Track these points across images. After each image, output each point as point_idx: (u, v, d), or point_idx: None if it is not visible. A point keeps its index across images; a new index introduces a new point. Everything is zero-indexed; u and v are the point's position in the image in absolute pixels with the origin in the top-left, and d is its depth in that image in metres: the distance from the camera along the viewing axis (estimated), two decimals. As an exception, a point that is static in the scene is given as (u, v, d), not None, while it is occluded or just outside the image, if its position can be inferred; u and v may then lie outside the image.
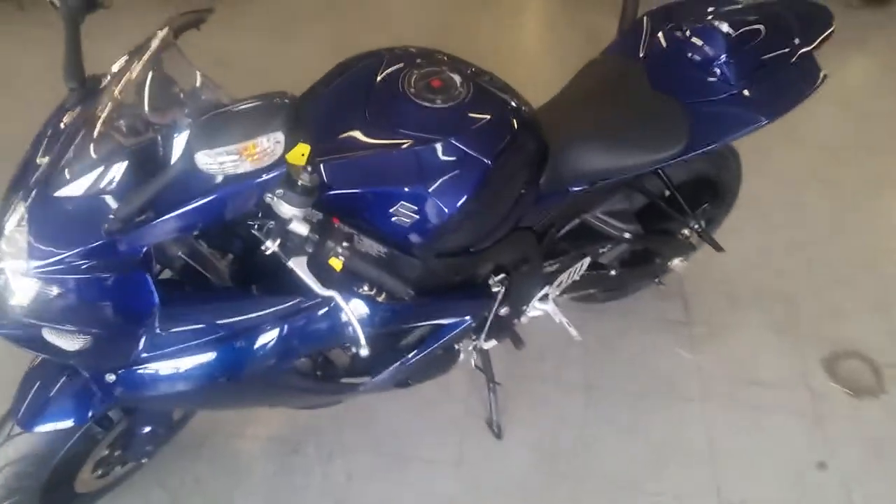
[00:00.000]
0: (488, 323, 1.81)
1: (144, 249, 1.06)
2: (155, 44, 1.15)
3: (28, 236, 1.06)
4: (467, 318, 1.57)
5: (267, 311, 1.25)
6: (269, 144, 0.96)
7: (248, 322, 1.24)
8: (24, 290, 1.07)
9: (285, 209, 1.14)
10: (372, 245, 1.30)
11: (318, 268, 1.19)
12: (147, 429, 1.46)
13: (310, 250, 1.17)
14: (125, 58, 1.19)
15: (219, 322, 1.22)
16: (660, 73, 1.75)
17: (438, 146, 1.30)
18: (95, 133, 1.08)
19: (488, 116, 1.37)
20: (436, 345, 1.57)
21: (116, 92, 1.12)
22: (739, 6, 1.83)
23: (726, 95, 1.70)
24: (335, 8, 4.18)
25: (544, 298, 1.95)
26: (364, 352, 1.28)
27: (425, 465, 1.95)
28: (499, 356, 2.04)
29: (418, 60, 1.43)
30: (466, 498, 1.89)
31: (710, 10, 1.80)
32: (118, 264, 1.06)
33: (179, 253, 1.23)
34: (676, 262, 2.21)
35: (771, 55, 1.70)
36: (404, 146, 1.29)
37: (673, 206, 1.90)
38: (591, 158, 1.62)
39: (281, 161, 1.04)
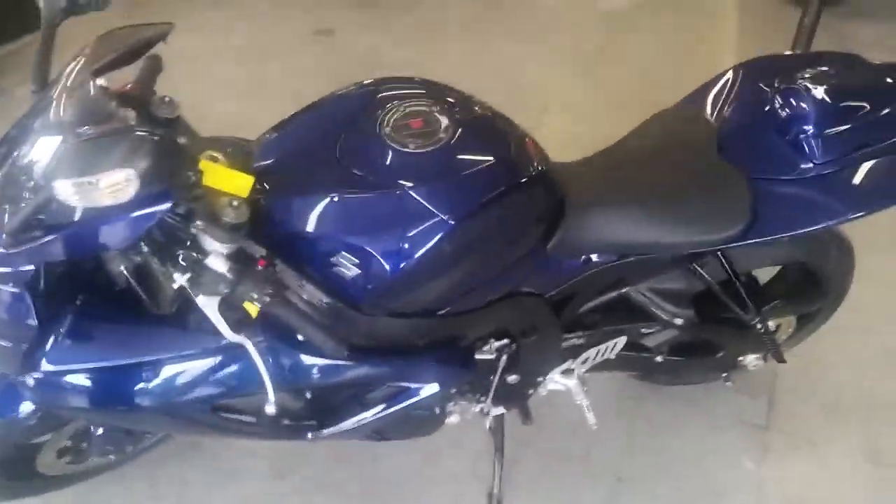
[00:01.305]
0: (492, 389, 1.63)
1: (31, 268, 1.02)
2: (70, 70, 1.09)
3: None
4: (435, 384, 1.40)
5: (176, 348, 1.17)
6: (120, 181, 0.87)
7: (155, 356, 1.17)
8: None
9: (206, 243, 1.05)
10: (314, 293, 1.18)
11: (233, 310, 1.10)
12: (99, 430, 1.46)
13: (225, 290, 1.07)
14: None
15: (123, 350, 1.16)
16: (732, 137, 1.45)
17: (392, 196, 1.14)
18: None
19: (466, 169, 1.19)
20: (397, 407, 1.40)
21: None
22: (861, 71, 1.47)
23: (807, 177, 1.37)
24: (484, 20, 4.10)
25: (568, 373, 1.72)
26: (270, 409, 1.16)
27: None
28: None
29: (413, 95, 1.27)
30: None
31: (819, 70, 1.46)
32: (10, 276, 1.03)
33: (122, 269, 1.18)
34: (750, 359, 1.86)
35: (874, 139, 1.34)
36: (356, 191, 1.15)
37: (733, 295, 1.57)
38: (618, 227, 1.37)
39: (158, 197, 0.96)
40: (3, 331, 1.09)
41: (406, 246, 1.14)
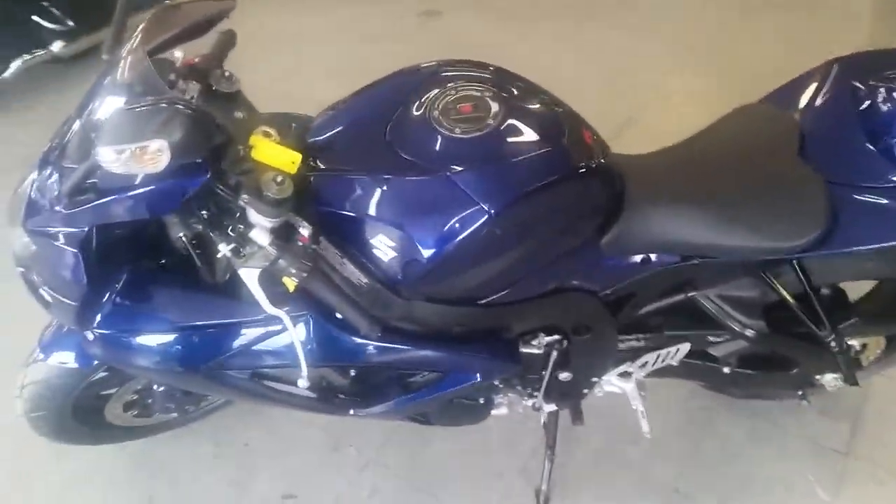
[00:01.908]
0: (544, 385, 1.59)
1: (86, 229, 1.09)
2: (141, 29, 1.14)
3: (28, 197, 1.16)
4: (475, 375, 1.38)
5: (221, 316, 1.22)
6: (153, 151, 0.91)
7: (203, 321, 1.22)
8: (18, 239, 1.19)
9: (252, 216, 1.09)
10: (354, 273, 1.19)
11: (273, 284, 1.13)
12: (160, 388, 1.54)
13: (265, 263, 1.10)
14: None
15: (172, 315, 1.22)
16: (816, 138, 1.34)
17: (433, 181, 1.13)
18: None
19: (511, 158, 1.16)
20: (436, 395, 1.40)
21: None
22: None
23: (878, 189, 1.24)
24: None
25: (626, 376, 1.66)
26: (302, 383, 1.19)
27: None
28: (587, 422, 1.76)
29: (470, 79, 1.25)
30: None
31: None
32: (65, 236, 1.10)
33: (182, 236, 1.24)
34: (829, 379, 1.72)
35: None
36: (399, 174, 1.15)
37: (807, 308, 1.45)
38: (679, 227, 1.29)
39: (195, 169, 1.00)
40: (61, 287, 1.17)
41: (443, 232, 1.13)
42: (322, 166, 1.20)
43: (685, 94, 3.37)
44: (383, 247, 1.16)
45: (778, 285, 1.43)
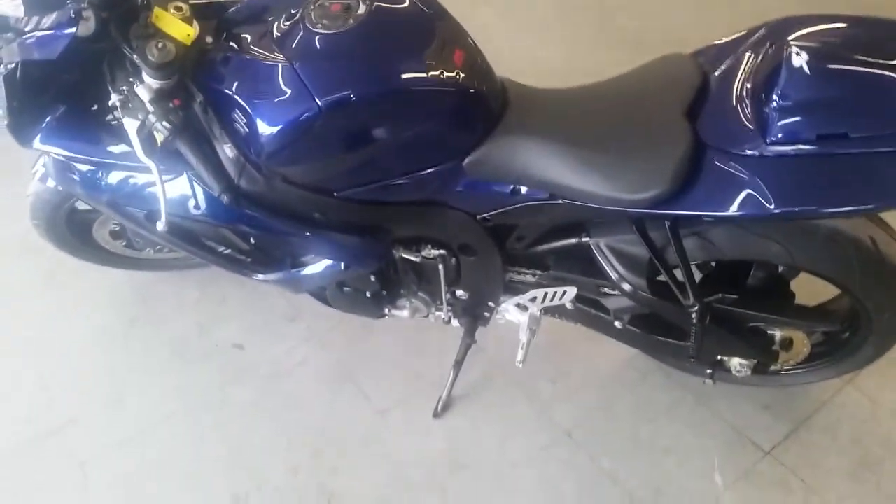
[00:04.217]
0: (444, 299, 1.69)
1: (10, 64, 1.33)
2: None
3: None
4: (339, 263, 1.51)
5: (120, 158, 1.43)
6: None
7: (110, 160, 1.47)
8: None
9: (144, 75, 1.28)
10: (226, 142, 1.36)
11: (148, 136, 1.33)
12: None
13: (140, 117, 1.30)
14: None
15: (91, 148, 1.46)
16: (715, 97, 1.26)
17: (280, 67, 1.23)
18: None
19: (356, 59, 1.23)
20: (310, 274, 1.56)
21: None
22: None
23: (755, 155, 1.15)
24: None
25: (523, 308, 1.69)
26: (160, 226, 1.38)
27: (352, 397, 1.95)
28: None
29: None
30: (346, 447, 1.84)
31: (844, 37, 1.18)
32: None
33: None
34: (735, 363, 1.64)
35: (853, 131, 1.08)
36: (261, 59, 1.27)
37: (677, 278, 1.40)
38: (540, 162, 1.30)
39: (66, 24, 1.20)
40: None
41: (278, 116, 1.24)
42: (216, 44, 1.36)
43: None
44: (242, 123, 1.30)
45: (650, 243, 1.39)
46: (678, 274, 1.40)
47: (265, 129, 1.27)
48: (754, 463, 1.74)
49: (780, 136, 1.12)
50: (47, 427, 1.92)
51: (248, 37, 1.34)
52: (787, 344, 1.60)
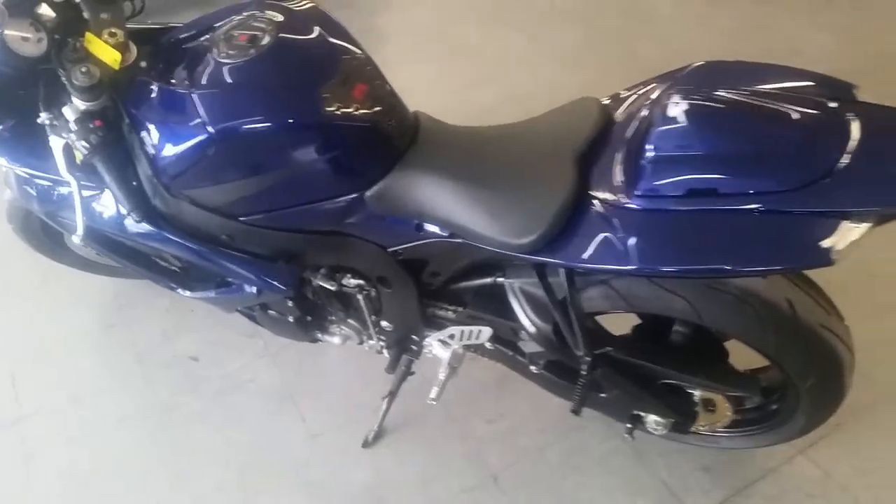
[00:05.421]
0: (370, 329, 1.70)
1: None
2: None
3: None
4: (251, 288, 1.53)
5: (52, 173, 1.49)
6: None
7: (43, 174, 1.55)
8: None
9: (72, 94, 1.35)
10: (142, 163, 1.41)
11: (71, 154, 1.40)
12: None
13: (64, 136, 1.37)
14: None
15: (32, 163, 1.54)
16: (610, 145, 1.23)
17: (182, 94, 1.28)
18: None
19: (251, 90, 1.26)
20: (227, 296, 1.60)
21: None
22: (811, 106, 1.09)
23: (625, 207, 1.11)
24: None
25: (446, 345, 1.67)
26: (76, 239, 1.44)
27: (290, 418, 1.97)
28: (461, 390, 1.85)
29: (274, 9, 1.35)
30: (273, 468, 1.86)
31: (740, 89, 1.13)
32: None
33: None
34: (651, 420, 1.56)
35: (723, 190, 1.04)
36: (168, 87, 1.31)
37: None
38: (435, 199, 1.29)
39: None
40: None
41: (175, 141, 1.29)
42: (144, 70, 1.41)
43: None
44: (152, 146, 1.36)
45: (549, 289, 1.36)
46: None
47: (169, 152, 1.32)
48: (670, 513, 1.66)
49: (648, 189, 1.09)
50: (4, 419, 2.02)
51: (170, 63, 1.39)
52: (710, 406, 1.52)
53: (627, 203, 1.11)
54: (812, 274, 1.30)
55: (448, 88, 3.23)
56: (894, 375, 1.89)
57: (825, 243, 0.99)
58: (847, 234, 0.99)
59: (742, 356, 1.47)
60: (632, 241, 1.08)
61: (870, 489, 1.69)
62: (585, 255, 1.14)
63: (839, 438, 1.78)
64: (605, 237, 1.12)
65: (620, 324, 1.51)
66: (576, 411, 1.49)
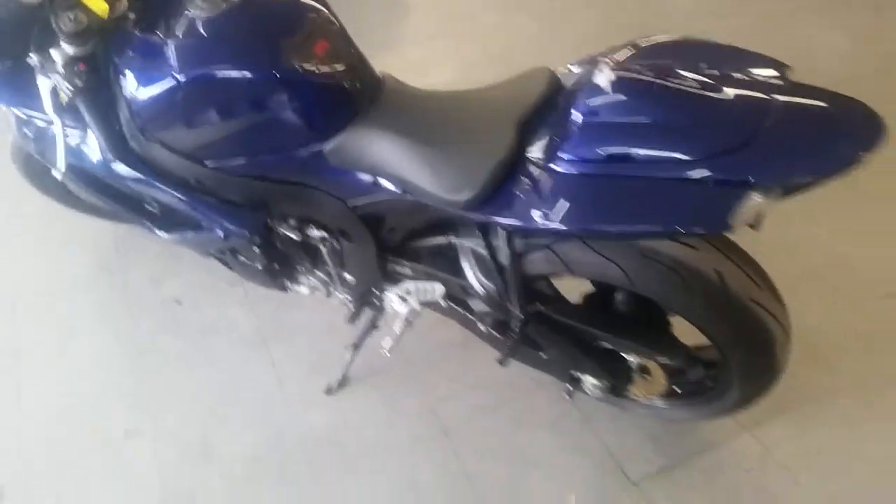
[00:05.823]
0: (334, 280, 1.78)
1: None
2: None
3: None
4: (219, 232, 1.62)
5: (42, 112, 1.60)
6: None
7: (36, 114, 1.65)
8: None
9: (61, 39, 1.44)
10: (123, 106, 1.50)
11: (56, 95, 1.49)
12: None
13: (50, 77, 1.46)
14: None
15: (27, 101, 1.63)
16: (547, 113, 1.29)
17: (158, 43, 1.36)
18: None
19: (217, 40, 1.33)
20: (197, 237, 1.69)
21: None
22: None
23: (553, 169, 1.17)
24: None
25: (404, 300, 1.75)
26: (56, 174, 1.54)
27: (261, 362, 2.06)
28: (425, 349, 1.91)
29: None
30: (238, 406, 1.96)
31: (680, 64, 1.18)
32: None
33: None
34: (588, 381, 1.63)
35: (641, 156, 1.10)
36: (147, 37, 1.40)
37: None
38: (386, 155, 1.36)
39: None
40: None
41: (147, 86, 1.38)
42: (132, 22, 1.50)
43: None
44: (129, 91, 1.45)
45: (491, 248, 1.43)
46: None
47: (144, 97, 1.41)
48: (616, 492, 1.72)
49: (572, 153, 1.14)
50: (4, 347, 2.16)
51: (156, 16, 1.47)
52: (645, 372, 1.58)
53: (553, 166, 1.17)
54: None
55: (460, 63, 3.28)
56: (859, 365, 1.93)
57: (726, 210, 1.04)
58: (749, 204, 1.04)
59: (692, 331, 1.52)
60: (555, 202, 1.15)
61: (812, 472, 1.72)
62: (515, 214, 1.21)
63: (788, 419, 1.82)
64: (533, 197, 1.19)
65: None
66: (501, 362, 1.55)
